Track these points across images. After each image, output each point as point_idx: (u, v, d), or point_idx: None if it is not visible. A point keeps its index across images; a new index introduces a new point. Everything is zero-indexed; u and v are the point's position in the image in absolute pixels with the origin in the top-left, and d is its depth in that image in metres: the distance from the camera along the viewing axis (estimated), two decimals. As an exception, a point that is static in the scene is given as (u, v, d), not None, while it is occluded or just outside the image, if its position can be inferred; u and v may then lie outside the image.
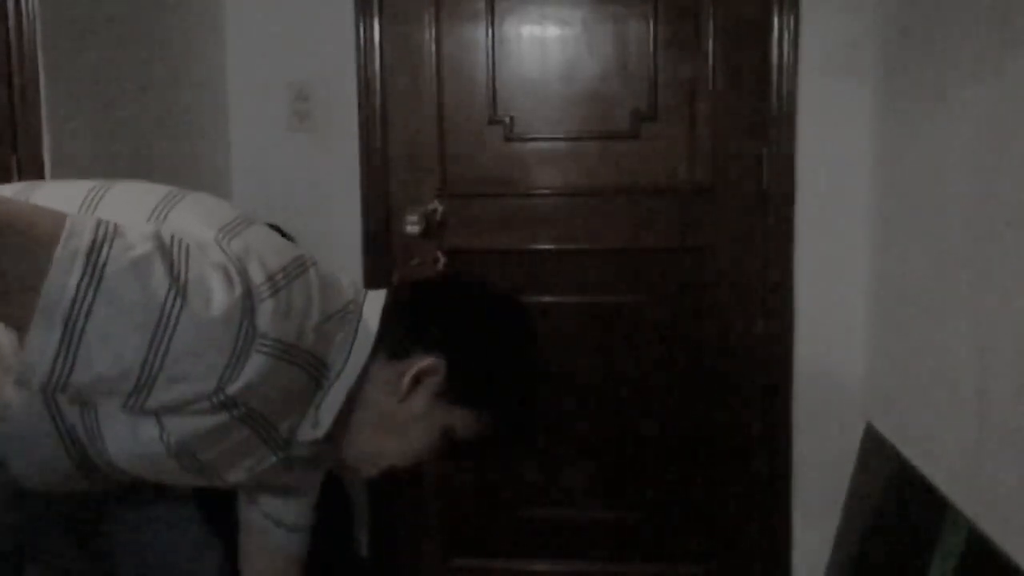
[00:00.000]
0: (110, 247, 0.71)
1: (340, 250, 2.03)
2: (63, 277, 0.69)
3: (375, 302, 0.94)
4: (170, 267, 0.73)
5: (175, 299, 0.72)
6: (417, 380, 0.90)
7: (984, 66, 1.29)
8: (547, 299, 2.03)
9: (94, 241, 0.70)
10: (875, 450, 1.77)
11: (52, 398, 0.82)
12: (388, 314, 0.93)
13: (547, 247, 2.02)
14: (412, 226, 1.98)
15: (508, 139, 1.99)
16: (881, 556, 1.62)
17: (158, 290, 0.72)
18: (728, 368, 1.99)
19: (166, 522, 1.12)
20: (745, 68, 1.91)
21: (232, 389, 0.76)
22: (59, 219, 0.71)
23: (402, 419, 0.93)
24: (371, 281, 2.04)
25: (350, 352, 0.88)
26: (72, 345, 0.70)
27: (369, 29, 1.98)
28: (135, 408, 0.77)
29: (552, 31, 1.95)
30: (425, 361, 0.90)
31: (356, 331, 0.89)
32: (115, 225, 0.73)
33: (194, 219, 0.83)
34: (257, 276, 0.78)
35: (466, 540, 2.13)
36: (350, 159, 2.02)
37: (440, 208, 2.01)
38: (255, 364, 0.76)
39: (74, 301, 0.69)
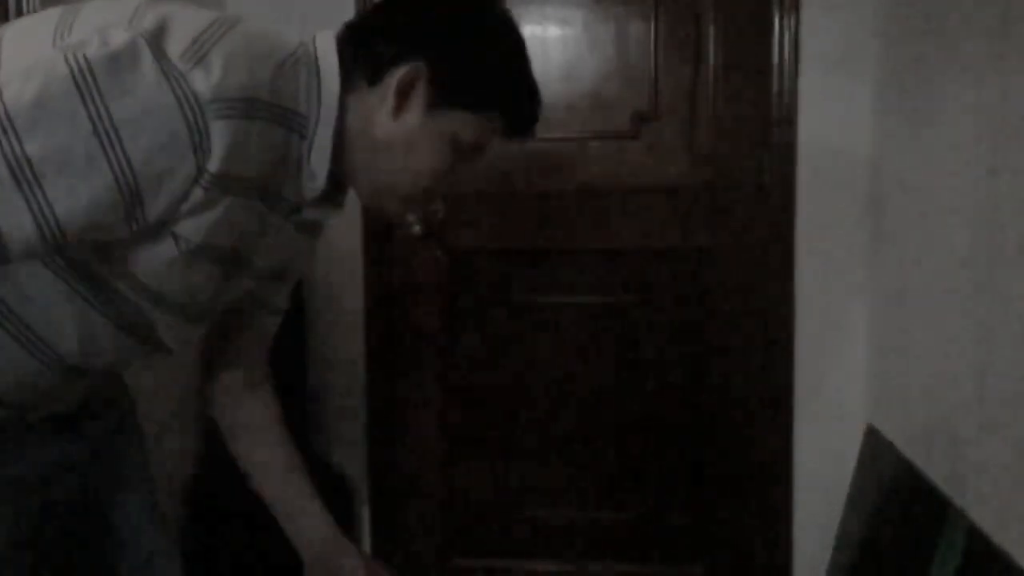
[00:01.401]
0: (3, 103, 0.69)
1: (340, 250, 2.03)
2: None
3: (327, 38, 0.91)
4: (75, 87, 0.70)
5: (99, 113, 0.70)
6: (403, 93, 0.88)
7: (984, 66, 1.30)
8: (547, 299, 2.03)
9: None
10: (876, 450, 1.77)
11: (65, 269, 0.81)
12: (344, 42, 0.90)
13: (548, 247, 2.02)
14: (413, 226, 1.98)
15: (509, 139, 1.98)
16: (882, 556, 1.62)
17: (78, 116, 0.70)
18: (728, 368, 1.99)
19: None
20: (745, 68, 1.91)
21: (213, 166, 0.75)
22: None
23: (403, 138, 0.90)
24: (371, 282, 2.04)
25: (319, 91, 0.86)
26: (42, 204, 0.70)
27: (369, 29, 1.98)
28: (142, 228, 0.76)
29: (553, 31, 1.95)
30: (403, 70, 0.87)
31: (318, 69, 0.86)
32: None
33: (100, 18, 0.79)
34: (177, 46, 0.75)
35: (466, 540, 2.13)
36: (350, 159, 2.01)
37: (440, 208, 2.00)
38: (220, 131, 0.74)
39: (12, 168, 0.68)
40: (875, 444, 1.78)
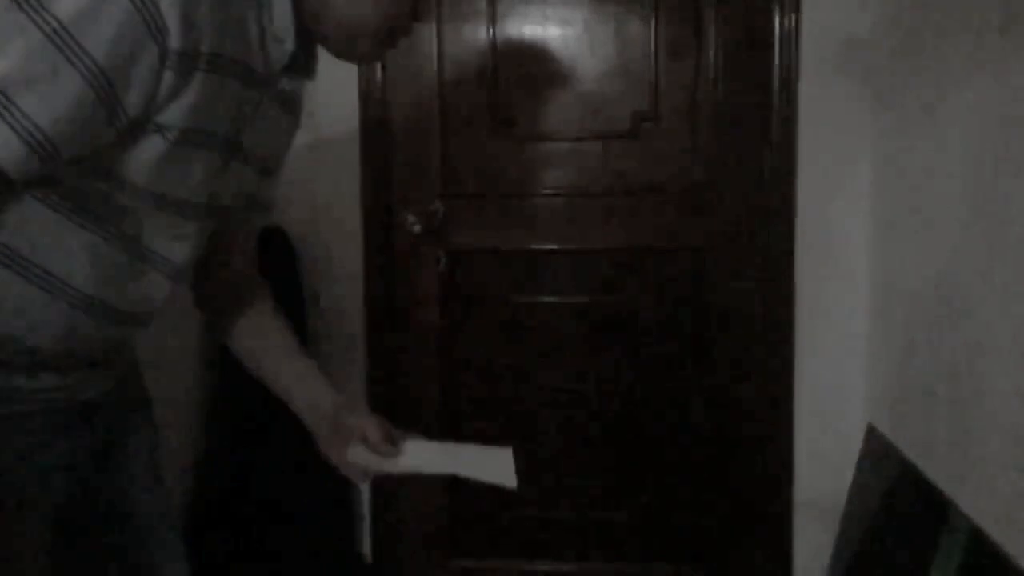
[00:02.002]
0: None
1: (340, 250, 2.03)
2: None
3: None
4: (11, 0, 0.72)
5: (44, 20, 0.71)
6: None
7: (984, 66, 1.30)
8: (547, 299, 2.03)
9: None
10: (877, 451, 1.77)
11: (64, 202, 0.82)
12: None
13: (547, 247, 2.02)
14: (413, 226, 1.98)
15: (509, 139, 1.99)
16: (883, 557, 1.62)
17: (25, 28, 0.71)
18: (728, 368, 1.99)
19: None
20: (745, 68, 1.91)
21: (174, 41, 0.76)
22: None
23: None
24: (371, 282, 2.05)
25: None
26: (23, 122, 0.71)
27: (370, 29, 1.98)
28: (127, 127, 0.78)
29: (553, 31, 1.95)
30: None
31: None
32: None
33: None
34: None
35: (467, 540, 2.13)
36: (351, 159, 2.02)
37: (441, 208, 2.01)
38: (168, 6, 0.75)
39: None
40: (875, 444, 1.78)
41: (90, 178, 0.82)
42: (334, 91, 2.00)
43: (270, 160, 1.04)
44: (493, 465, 1.09)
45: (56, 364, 0.90)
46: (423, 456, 1.08)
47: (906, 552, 1.49)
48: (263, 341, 1.14)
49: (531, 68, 1.97)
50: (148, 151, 0.82)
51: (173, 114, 0.80)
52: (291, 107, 1.03)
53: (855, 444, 1.87)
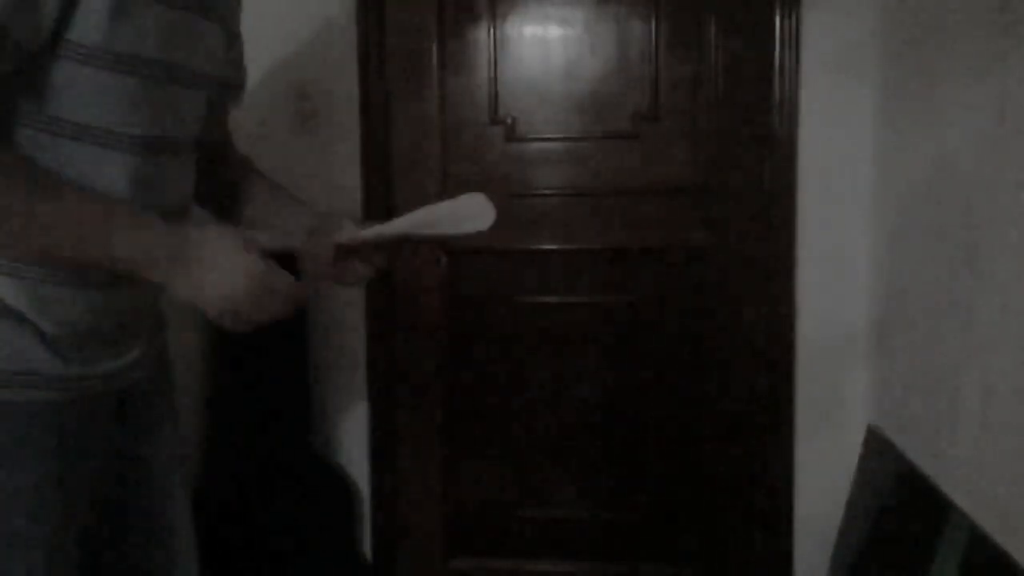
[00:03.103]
0: None
1: (341, 250, 2.03)
2: None
3: None
4: None
5: None
6: None
7: (984, 66, 1.30)
8: (547, 299, 2.03)
9: None
10: (877, 451, 1.77)
11: (60, 120, 0.84)
12: None
13: (547, 247, 2.02)
14: (413, 226, 1.98)
15: (509, 139, 1.99)
16: (883, 557, 1.62)
17: None
18: (729, 368, 1.99)
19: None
20: (746, 68, 1.91)
21: None
22: None
23: None
24: (371, 282, 2.04)
25: None
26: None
27: (371, 29, 1.98)
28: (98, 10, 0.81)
29: (554, 31, 1.95)
30: None
31: None
32: None
33: None
34: None
35: (466, 540, 2.13)
36: (351, 159, 2.02)
37: (441, 208, 2.01)
38: None
39: None
40: (876, 444, 1.78)
41: (58, 60, 0.84)
42: (335, 91, 2.01)
43: (230, 19, 1.06)
44: (465, 213, 1.14)
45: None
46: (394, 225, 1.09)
47: (906, 552, 1.49)
48: (246, 191, 1.20)
49: (532, 68, 1.97)
50: (96, 5, 0.83)
51: None
52: None
53: (855, 444, 1.87)
